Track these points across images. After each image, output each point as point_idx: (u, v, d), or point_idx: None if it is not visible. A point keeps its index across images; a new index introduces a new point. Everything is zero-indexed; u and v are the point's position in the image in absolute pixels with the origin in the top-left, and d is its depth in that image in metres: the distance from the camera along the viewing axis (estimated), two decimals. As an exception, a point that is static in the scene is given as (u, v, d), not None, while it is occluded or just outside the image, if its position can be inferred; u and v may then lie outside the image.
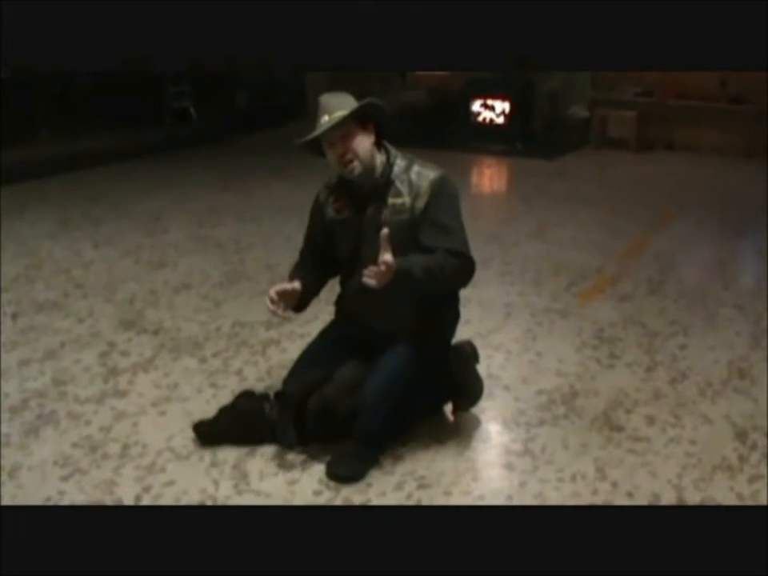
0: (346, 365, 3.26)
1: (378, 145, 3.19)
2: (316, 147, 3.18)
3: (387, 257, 2.91)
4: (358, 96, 3.18)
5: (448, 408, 3.50)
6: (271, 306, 3.13)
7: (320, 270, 3.38)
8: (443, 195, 3.14)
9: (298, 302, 3.27)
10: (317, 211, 3.38)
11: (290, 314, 3.28)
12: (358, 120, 3.08)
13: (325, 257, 3.37)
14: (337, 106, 3.07)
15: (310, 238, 3.45)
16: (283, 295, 3.16)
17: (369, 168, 3.13)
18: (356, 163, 3.08)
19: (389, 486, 3.00)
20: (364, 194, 3.20)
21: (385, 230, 2.94)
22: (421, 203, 3.11)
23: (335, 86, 3.39)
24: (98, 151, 9.34)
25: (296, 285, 3.19)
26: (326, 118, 3.05)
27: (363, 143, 3.10)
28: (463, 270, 3.13)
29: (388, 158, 3.20)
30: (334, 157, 3.11)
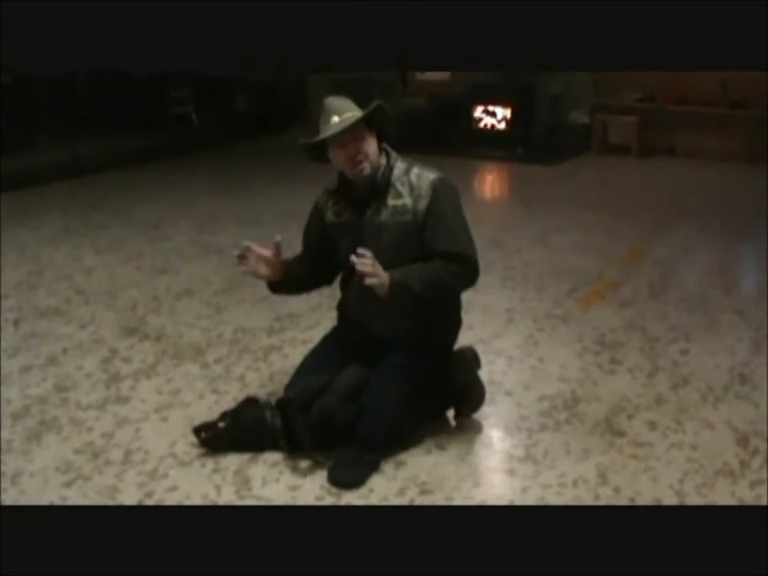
0: (345, 372, 3.26)
1: (379, 147, 3.22)
2: (318, 149, 3.21)
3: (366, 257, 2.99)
4: (359, 101, 3.20)
5: (450, 414, 3.50)
6: (235, 252, 3.20)
7: (311, 269, 3.40)
8: (445, 196, 3.17)
9: (274, 280, 3.33)
10: (316, 214, 3.41)
11: (251, 274, 3.30)
12: (366, 122, 3.12)
13: (317, 259, 3.38)
14: (345, 108, 3.12)
15: (305, 240, 3.48)
16: (255, 257, 3.21)
17: (375, 170, 3.17)
18: (366, 164, 3.12)
19: (391, 492, 3.01)
20: (363, 196, 3.23)
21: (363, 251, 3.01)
22: (423, 204, 3.14)
23: (336, 92, 3.40)
24: (99, 157, 9.35)
25: (267, 253, 3.22)
26: (335, 119, 3.08)
27: (372, 145, 3.15)
28: (464, 273, 3.15)
29: (388, 160, 3.23)
30: (342, 158, 3.13)
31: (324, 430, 3.15)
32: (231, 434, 3.26)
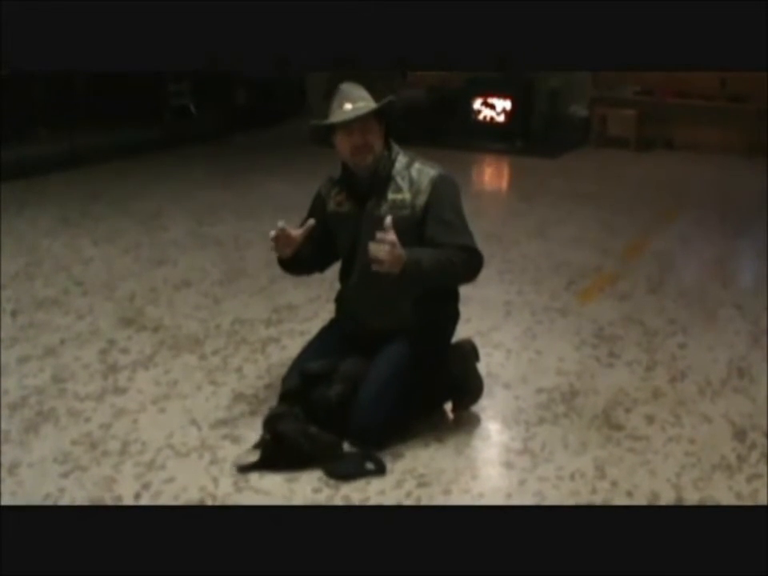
0: (346, 361, 3.26)
1: (385, 141, 3.23)
2: (326, 133, 3.23)
3: (391, 236, 2.93)
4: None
5: (448, 406, 3.50)
6: (272, 234, 3.13)
7: (309, 253, 3.38)
8: (445, 192, 3.18)
9: (290, 259, 3.28)
10: (318, 202, 3.42)
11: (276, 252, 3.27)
12: (376, 115, 3.15)
13: (315, 246, 3.36)
14: (359, 97, 3.15)
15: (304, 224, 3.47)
16: (284, 238, 3.16)
17: (377, 162, 3.18)
18: (368, 156, 3.13)
19: (388, 484, 3.00)
20: (365, 188, 3.24)
21: (389, 219, 2.97)
22: (421, 200, 3.15)
23: (335, 85, 3.40)
24: (98, 149, 9.34)
25: (297, 233, 3.19)
26: (348, 106, 3.10)
27: (378, 138, 3.18)
28: (472, 263, 3.16)
29: (390, 154, 3.24)
30: (348, 145, 3.15)
31: (334, 421, 3.14)
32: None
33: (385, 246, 2.93)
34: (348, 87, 3.19)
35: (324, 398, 3.17)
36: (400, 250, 2.96)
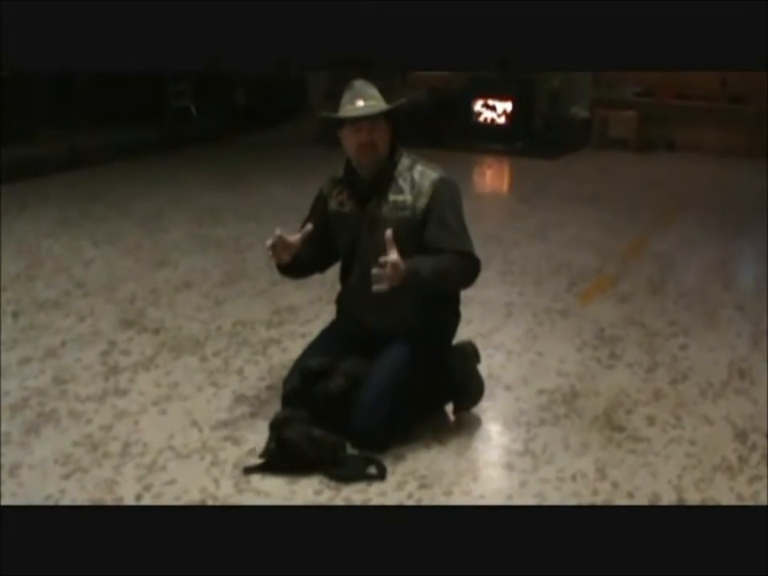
0: (348, 360, 3.25)
1: (391, 143, 3.24)
2: (334, 128, 3.24)
3: (393, 256, 2.94)
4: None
5: (449, 408, 3.50)
6: (269, 243, 3.13)
7: (310, 254, 3.37)
8: (446, 195, 3.19)
9: (288, 264, 3.27)
10: (320, 202, 3.42)
11: (274, 260, 3.26)
12: (386, 115, 3.17)
13: (316, 245, 3.34)
14: (371, 95, 3.17)
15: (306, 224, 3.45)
16: (281, 245, 3.15)
17: (379, 163, 3.19)
18: (373, 154, 3.16)
19: (389, 486, 3.00)
20: (366, 188, 3.24)
21: (389, 232, 2.96)
22: (422, 202, 3.16)
23: (336, 85, 3.42)
24: (98, 150, 9.34)
25: (295, 239, 3.18)
26: (360, 103, 3.13)
27: (385, 138, 3.18)
28: (470, 270, 3.18)
29: (393, 155, 3.24)
30: (354, 142, 3.16)
31: (334, 416, 3.13)
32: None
33: (387, 270, 2.94)
34: (361, 84, 3.20)
35: (325, 390, 3.16)
36: (402, 266, 2.96)
